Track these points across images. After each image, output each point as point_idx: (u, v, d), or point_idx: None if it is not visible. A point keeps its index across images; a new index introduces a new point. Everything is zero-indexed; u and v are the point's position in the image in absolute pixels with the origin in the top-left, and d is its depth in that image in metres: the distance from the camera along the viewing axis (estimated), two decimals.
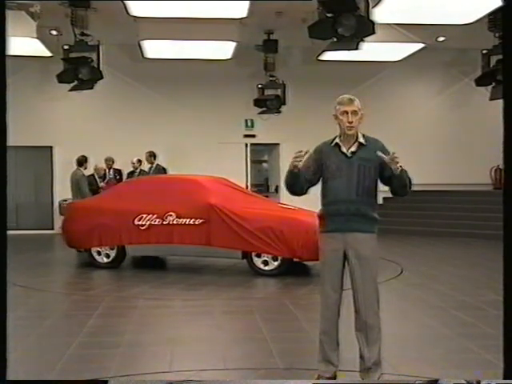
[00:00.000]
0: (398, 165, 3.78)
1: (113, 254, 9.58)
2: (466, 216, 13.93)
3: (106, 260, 9.61)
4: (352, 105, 3.93)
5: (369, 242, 3.97)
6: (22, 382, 3.76)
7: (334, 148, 4.01)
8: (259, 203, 9.44)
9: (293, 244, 8.35)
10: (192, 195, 9.06)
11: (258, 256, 8.72)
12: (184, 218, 8.93)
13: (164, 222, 9.05)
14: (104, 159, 12.89)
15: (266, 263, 8.70)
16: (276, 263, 8.65)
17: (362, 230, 3.94)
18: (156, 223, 9.10)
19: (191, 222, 8.88)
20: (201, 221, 8.81)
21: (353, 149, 3.96)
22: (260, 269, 8.72)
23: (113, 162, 12.94)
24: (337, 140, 4.02)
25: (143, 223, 9.18)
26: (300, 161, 3.85)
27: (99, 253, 9.63)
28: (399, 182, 3.89)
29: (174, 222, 9.00)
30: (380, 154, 3.83)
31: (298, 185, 4.00)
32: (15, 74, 13.18)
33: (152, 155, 12.88)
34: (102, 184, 12.45)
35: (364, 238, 3.95)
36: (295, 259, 8.61)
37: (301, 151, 3.85)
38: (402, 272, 9.08)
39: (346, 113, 3.92)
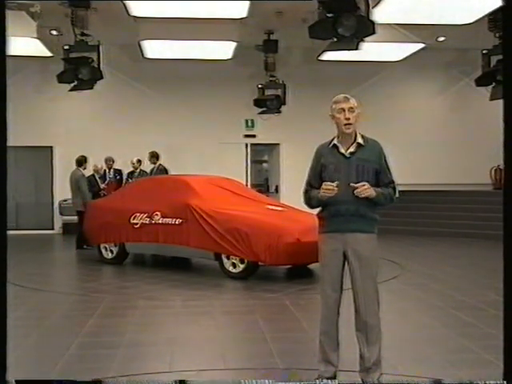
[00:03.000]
0: (365, 195, 3.84)
1: (115, 250, 9.98)
2: (466, 216, 13.93)
3: (110, 256, 10.05)
4: (348, 102, 3.95)
5: (369, 242, 3.97)
6: (22, 382, 3.76)
7: (333, 149, 4.01)
8: (243, 204, 9.11)
9: (257, 247, 8.12)
10: (176, 195, 9.20)
11: (228, 258, 8.59)
12: (167, 217, 9.10)
13: (152, 222, 9.27)
14: (104, 159, 12.88)
15: (234, 265, 8.54)
16: (242, 266, 8.47)
17: (361, 230, 3.94)
18: (146, 222, 9.36)
19: (172, 222, 9.02)
20: (180, 221, 8.92)
21: (351, 149, 3.96)
22: (229, 271, 8.57)
23: (113, 162, 12.93)
24: (335, 141, 4.02)
25: (136, 222, 9.50)
26: (328, 194, 3.88)
27: (106, 248, 10.10)
28: (375, 202, 3.96)
29: (159, 222, 9.18)
30: (352, 185, 3.84)
31: (321, 201, 4.04)
32: (15, 74, 13.18)
33: (154, 155, 12.86)
34: (103, 185, 12.43)
35: (364, 238, 3.95)
36: (260, 263, 8.40)
37: (332, 185, 3.86)
38: (401, 272, 9.08)
39: (343, 110, 3.92)
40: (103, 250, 10.14)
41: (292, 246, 8.00)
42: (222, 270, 8.67)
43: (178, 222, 8.95)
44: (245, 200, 9.38)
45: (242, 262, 8.46)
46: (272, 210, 9.07)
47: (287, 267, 9.11)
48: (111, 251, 10.04)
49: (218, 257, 8.70)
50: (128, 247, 9.89)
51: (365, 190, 3.83)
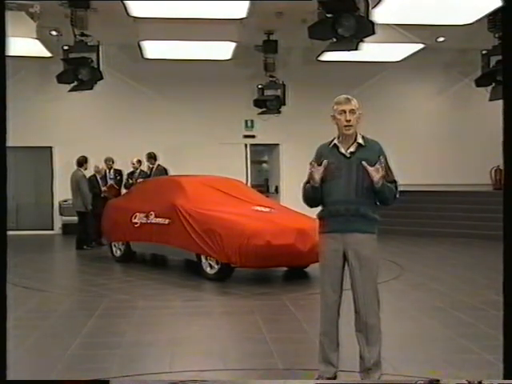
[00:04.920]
0: (379, 176, 3.81)
1: (122, 248, 10.25)
2: (466, 216, 13.92)
3: (119, 253, 10.33)
4: (349, 104, 3.94)
5: (369, 243, 3.96)
6: (22, 382, 3.76)
7: (333, 149, 4.01)
8: (227, 205, 8.85)
9: (228, 248, 7.98)
10: (167, 195, 9.28)
11: (206, 259, 8.48)
12: (159, 217, 9.21)
13: (148, 221, 9.41)
14: (104, 159, 12.89)
15: (211, 267, 8.43)
16: (217, 267, 8.31)
17: (361, 230, 3.93)
18: (143, 222, 9.51)
19: (162, 222, 9.12)
20: (168, 220, 8.99)
21: (352, 149, 3.96)
22: (206, 272, 8.47)
23: (113, 162, 12.93)
24: (335, 141, 4.03)
25: (136, 221, 9.68)
26: (315, 172, 3.90)
27: (115, 246, 10.43)
28: (379, 195, 3.95)
29: (153, 221, 9.30)
30: (364, 163, 3.85)
31: (318, 199, 4.04)
32: (15, 75, 13.17)
33: (152, 156, 12.87)
34: (104, 188, 12.43)
35: (364, 239, 3.94)
36: (232, 265, 8.16)
37: (311, 164, 3.91)
38: (401, 272, 9.08)
39: (344, 112, 3.92)
40: (114, 248, 10.45)
41: (261, 249, 7.80)
42: (200, 271, 8.58)
43: (167, 221, 9.04)
44: (232, 200, 9.15)
45: (217, 263, 8.35)
46: (256, 210, 8.79)
47: (284, 269, 9.06)
48: (120, 249, 10.30)
49: (199, 257, 8.64)
50: (133, 246, 10.08)
51: (377, 170, 3.81)
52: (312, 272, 8.80)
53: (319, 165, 3.91)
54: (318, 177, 3.92)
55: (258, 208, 8.93)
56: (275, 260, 8.10)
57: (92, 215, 12.03)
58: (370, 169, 3.83)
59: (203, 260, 8.50)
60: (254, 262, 8.00)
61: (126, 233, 9.98)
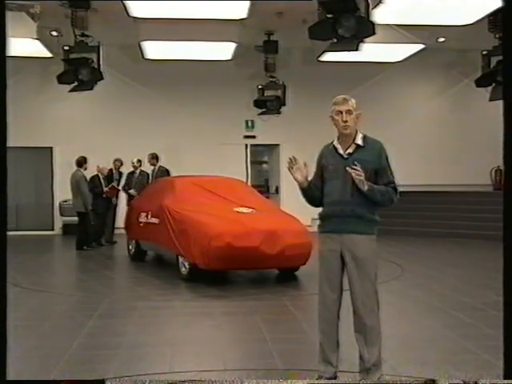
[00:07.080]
0: (358, 180, 3.80)
1: (135, 247, 10.52)
2: (466, 217, 13.93)
3: (133, 251, 10.61)
4: (346, 104, 3.94)
5: (365, 244, 3.94)
6: (22, 382, 3.76)
7: (332, 150, 4.03)
8: (209, 205, 8.71)
9: (193, 249, 7.98)
10: (159, 196, 9.46)
11: (181, 259, 8.51)
12: (153, 217, 9.39)
13: (147, 221, 9.64)
14: (113, 160, 13.07)
15: (185, 267, 8.43)
16: (188, 267, 8.32)
17: (357, 231, 3.92)
18: (144, 221, 9.75)
19: (155, 221, 9.30)
20: (158, 220, 9.13)
21: (350, 150, 3.97)
22: (180, 272, 8.49)
23: (121, 164, 13.15)
24: (334, 142, 4.05)
25: (141, 220, 9.91)
26: (291, 167, 3.98)
27: (130, 245, 10.77)
28: (370, 198, 3.91)
29: (150, 221, 9.52)
30: (348, 169, 3.83)
31: (316, 199, 4.08)
32: (15, 75, 13.17)
33: (154, 157, 12.89)
34: (105, 189, 12.47)
35: (360, 240, 3.93)
36: (199, 266, 8.05)
37: (290, 160, 3.98)
38: (401, 273, 9.08)
39: (341, 112, 3.93)
40: (129, 247, 10.78)
41: (222, 250, 7.72)
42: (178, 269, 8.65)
43: (157, 221, 9.18)
44: (216, 201, 8.95)
45: (189, 263, 8.33)
46: (236, 212, 8.55)
47: (277, 272, 8.99)
48: (133, 248, 10.57)
49: (177, 257, 8.68)
50: (141, 245, 10.28)
51: (357, 174, 3.80)
52: (311, 273, 8.80)
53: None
54: (299, 176, 3.98)
55: (240, 209, 8.68)
56: (238, 262, 7.96)
57: (92, 215, 12.06)
58: (353, 173, 3.83)
59: (180, 260, 8.56)
60: (217, 263, 7.89)
61: (134, 231, 10.35)
